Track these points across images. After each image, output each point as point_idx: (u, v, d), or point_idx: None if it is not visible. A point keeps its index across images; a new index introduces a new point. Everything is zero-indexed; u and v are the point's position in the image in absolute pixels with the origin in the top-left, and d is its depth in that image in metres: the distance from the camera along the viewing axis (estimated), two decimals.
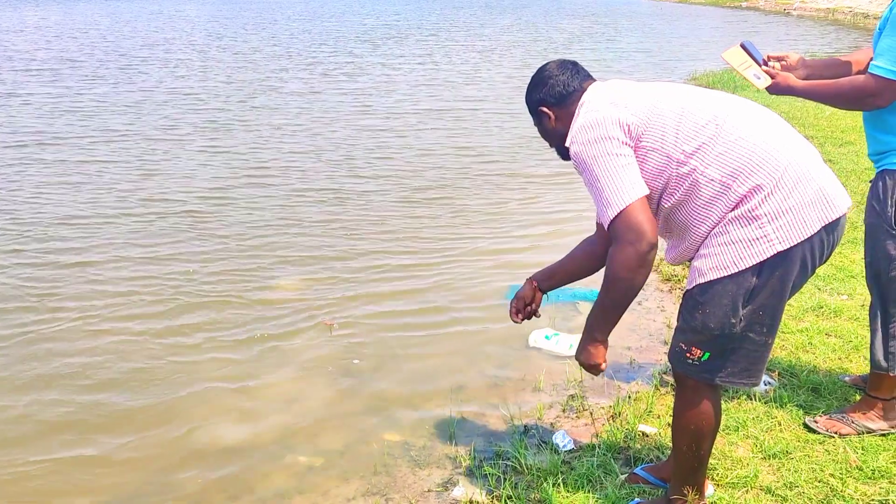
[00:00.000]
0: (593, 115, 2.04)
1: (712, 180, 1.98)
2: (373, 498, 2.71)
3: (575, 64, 2.22)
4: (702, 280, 2.03)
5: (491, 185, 6.70)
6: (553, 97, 2.17)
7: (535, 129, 2.30)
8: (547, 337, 3.81)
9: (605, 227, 2.01)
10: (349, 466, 2.91)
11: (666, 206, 2.07)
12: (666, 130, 2.00)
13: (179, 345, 3.81)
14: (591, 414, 3.15)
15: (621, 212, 1.93)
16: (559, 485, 2.61)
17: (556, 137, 2.21)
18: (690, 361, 2.09)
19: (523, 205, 6.14)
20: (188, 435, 3.10)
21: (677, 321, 2.18)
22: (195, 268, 4.72)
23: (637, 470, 2.65)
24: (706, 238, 2.03)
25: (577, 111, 2.11)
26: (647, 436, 2.92)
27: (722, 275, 1.99)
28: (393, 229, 5.48)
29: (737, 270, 1.97)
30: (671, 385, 3.32)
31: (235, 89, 10.71)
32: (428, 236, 5.37)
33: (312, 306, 4.25)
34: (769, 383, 3.23)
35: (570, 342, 3.75)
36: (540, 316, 2.65)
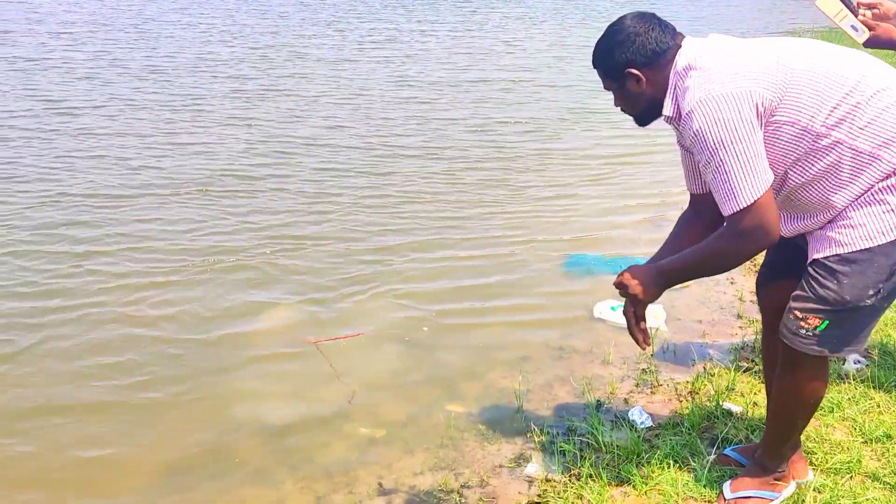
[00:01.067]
0: (721, 87, 1.78)
1: (860, 153, 1.79)
2: (441, 473, 2.56)
3: (656, 17, 1.95)
4: (842, 250, 1.85)
5: (545, 160, 6.30)
6: (644, 57, 1.90)
7: (608, 96, 2.01)
8: (613, 308, 3.61)
9: (725, 214, 1.82)
10: (413, 439, 2.76)
11: (796, 181, 1.88)
12: (802, 101, 1.79)
13: (225, 315, 3.65)
14: (675, 389, 2.95)
15: (750, 207, 1.76)
16: (643, 465, 2.44)
17: (641, 103, 1.97)
18: (804, 332, 1.93)
19: (583, 182, 5.78)
20: (245, 405, 2.95)
21: (797, 289, 1.97)
22: (228, 239, 4.52)
23: (728, 451, 2.46)
24: (845, 209, 1.85)
25: (685, 75, 1.85)
26: (733, 414, 2.73)
27: (872, 244, 1.81)
28: (445, 203, 5.21)
29: (892, 239, 1.80)
30: (751, 361, 3.12)
31: (261, 56, 10.43)
32: (480, 211, 5.11)
33: (362, 276, 4.07)
34: (859, 361, 3.02)
35: None
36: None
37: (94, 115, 7.11)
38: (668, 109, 1.91)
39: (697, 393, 2.92)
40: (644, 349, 2.19)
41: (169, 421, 2.86)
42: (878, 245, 1.80)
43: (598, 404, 2.91)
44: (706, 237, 2.07)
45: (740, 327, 3.51)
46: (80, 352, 3.28)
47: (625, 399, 2.95)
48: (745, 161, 1.75)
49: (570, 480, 2.44)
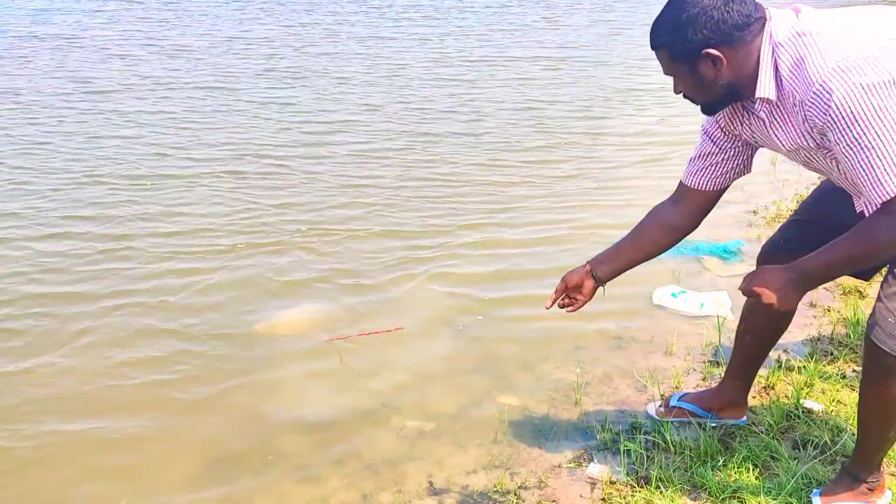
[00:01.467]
0: (860, 49, 1.51)
1: None
2: (495, 471, 2.37)
3: None
4: None
5: (595, 141, 5.96)
6: (723, 34, 1.60)
7: (668, 79, 1.74)
8: (674, 294, 3.38)
9: (881, 199, 1.54)
10: (464, 433, 2.58)
11: None
12: None
13: (262, 306, 3.49)
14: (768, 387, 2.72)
15: None
16: (718, 469, 2.23)
17: (716, 89, 1.68)
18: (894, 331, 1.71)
19: (637, 163, 5.45)
20: (286, 398, 2.79)
21: (884, 286, 1.76)
22: (262, 226, 4.35)
23: (676, 401, 2.51)
24: None
25: (791, 45, 1.58)
26: (813, 413, 2.50)
27: None
28: (490, 187, 4.96)
29: None
30: (831, 354, 2.88)
31: (294, 34, 10.24)
32: (528, 194, 4.86)
33: (406, 263, 3.88)
34: None
35: (700, 300, 3.32)
36: (574, 310, 2.15)
37: (126, 95, 7.00)
38: (766, 90, 1.63)
39: (773, 388, 2.69)
40: None
41: (208, 415, 2.71)
42: None
43: (663, 399, 2.69)
44: (671, 236, 2.02)
45: (814, 316, 3.25)
46: (113, 343, 3.12)
47: (693, 393, 2.73)
48: None
49: (637, 484, 2.24)
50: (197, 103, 6.79)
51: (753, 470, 2.21)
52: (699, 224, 2.03)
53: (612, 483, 2.27)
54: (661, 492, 2.16)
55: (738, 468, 2.22)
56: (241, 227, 4.26)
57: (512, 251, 4.01)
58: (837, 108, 1.51)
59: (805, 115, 1.59)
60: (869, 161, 1.52)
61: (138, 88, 7.22)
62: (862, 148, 1.52)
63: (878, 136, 1.50)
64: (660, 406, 2.56)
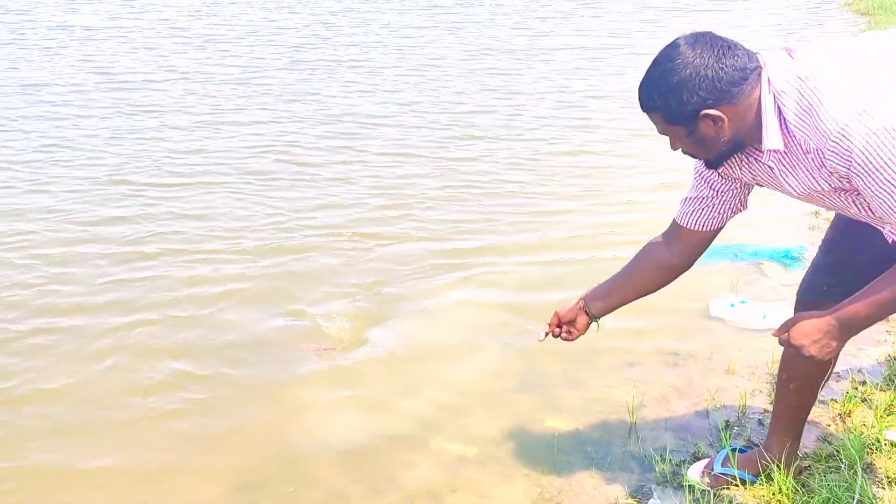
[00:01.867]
0: (868, 90, 1.43)
1: None
2: None
3: (716, 35, 1.55)
4: None
5: (646, 140, 5.42)
6: (720, 91, 1.51)
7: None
8: (732, 305, 3.14)
9: None
10: (509, 460, 2.38)
11: None
12: None
13: (289, 316, 3.29)
14: (819, 410, 2.48)
15: None
16: None
17: (719, 146, 1.60)
18: None
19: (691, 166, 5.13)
20: (317, 416, 2.63)
21: None
22: (288, 233, 4.14)
23: (718, 468, 2.18)
24: None
25: (794, 94, 1.49)
26: None
27: None
28: (531, 192, 4.71)
29: None
30: None
31: (323, 23, 10.06)
32: (574, 194, 4.64)
33: (445, 265, 3.68)
34: None
35: (762, 311, 3.08)
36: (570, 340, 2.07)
37: (150, 89, 6.89)
38: (773, 142, 1.54)
39: (849, 416, 2.44)
40: None
41: (236, 433, 2.55)
42: None
43: (727, 425, 2.47)
44: (665, 275, 1.96)
45: (888, 332, 2.99)
46: (136, 356, 2.97)
47: (759, 420, 2.50)
48: None
49: None
50: (220, 99, 6.64)
51: None
52: (693, 263, 1.96)
53: None
54: None
55: None
56: (264, 233, 4.08)
57: (555, 257, 3.80)
58: (861, 156, 1.44)
59: (824, 163, 1.51)
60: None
61: (164, 82, 7.12)
62: (893, 190, 1.44)
63: None
64: (705, 470, 2.21)
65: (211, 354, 2.99)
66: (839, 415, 2.46)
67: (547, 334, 2.08)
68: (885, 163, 1.42)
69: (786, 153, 1.57)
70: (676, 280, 2.00)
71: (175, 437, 2.54)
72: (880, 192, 1.46)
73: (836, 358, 1.94)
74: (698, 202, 1.85)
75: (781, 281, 3.41)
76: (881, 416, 2.38)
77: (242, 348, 3.03)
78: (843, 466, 2.18)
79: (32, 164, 5.05)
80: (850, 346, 2.90)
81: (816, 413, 2.49)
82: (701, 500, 2.12)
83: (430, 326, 3.16)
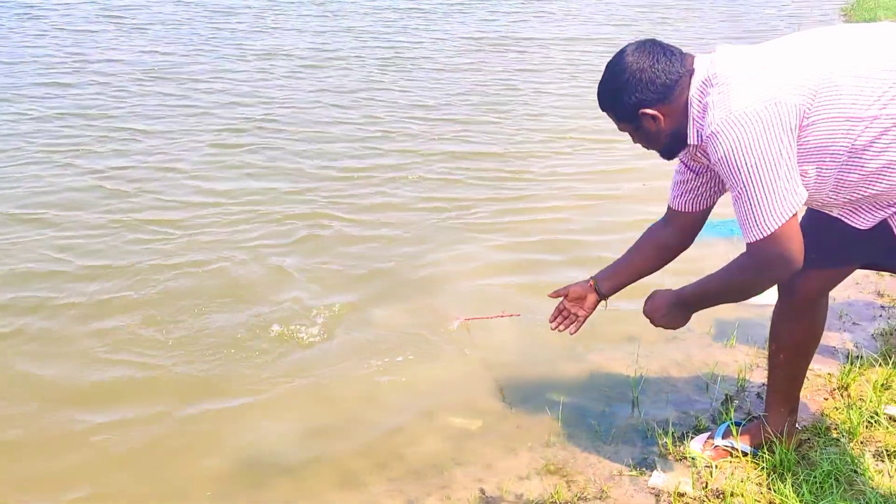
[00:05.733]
0: (744, 103, 1.61)
1: None
2: (551, 478, 2.20)
3: (658, 42, 1.77)
4: None
5: None
6: (655, 93, 1.73)
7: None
8: None
9: (746, 242, 1.70)
10: (514, 433, 2.41)
11: (855, 178, 1.67)
12: (843, 94, 1.60)
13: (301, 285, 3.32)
14: (818, 383, 2.52)
15: (772, 235, 1.65)
16: (798, 484, 2.04)
17: (662, 140, 1.81)
18: None
19: None
20: (324, 390, 2.63)
21: None
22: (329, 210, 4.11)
23: (720, 439, 2.23)
24: None
25: (701, 98, 1.70)
26: (895, 420, 2.30)
27: None
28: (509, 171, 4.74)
29: None
30: None
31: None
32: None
33: (443, 241, 3.68)
34: None
35: None
36: (574, 331, 2.22)
37: (175, 80, 6.48)
38: (691, 138, 1.77)
39: (847, 389, 2.49)
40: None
41: (243, 411, 2.54)
42: None
43: (727, 399, 2.51)
44: (665, 255, 2.11)
45: (882, 307, 3.04)
46: (161, 337, 2.94)
47: (757, 393, 2.54)
48: (771, 186, 1.62)
49: (707, 497, 2.07)
50: (248, 89, 6.41)
51: (837, 487, 2.02)
52: (691, 242, 2.11)
53: (679, 496, 2.09)
54: None
55: (819, 484, 2.03)
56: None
57: (556, 236, 3.80)
58: (721, 159, 1.64)
59: (706, 155, 1.75)
60: (740, 207, 1.66)
61: (189, 73, 6.80)
62: (737, 195, 1.66)
63: (747, 188, 1.62)
64: (706, 442, 2.25)
65: (214, 335, 2.96)
66: (836, 389, 2.51)
67: (556, 316, 2.22)
68: (739, 169, 1.62)
69: (702, 151, 1.78)
70: (676, 258, 2.11)
71: (185, 409, 2.54)
72: (732, 190, 1.68)
73: (822, 326, 2.12)
74: (684, 185, 1.98)
75: None
76: (879, 391, 2.42)
77: (244, 330, 3.00)
78: (842, 440, 2.23)
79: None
80: (846, 321, 2.96)
81: (815, 387, 2.55)
82: (703, 473, 2.16)
83: (430, 302, 3.16)
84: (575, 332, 2.22)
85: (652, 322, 1.99)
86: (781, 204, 1.62)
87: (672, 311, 1.95)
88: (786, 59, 1.66)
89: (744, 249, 1.75)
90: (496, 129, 5.13)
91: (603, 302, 2.19)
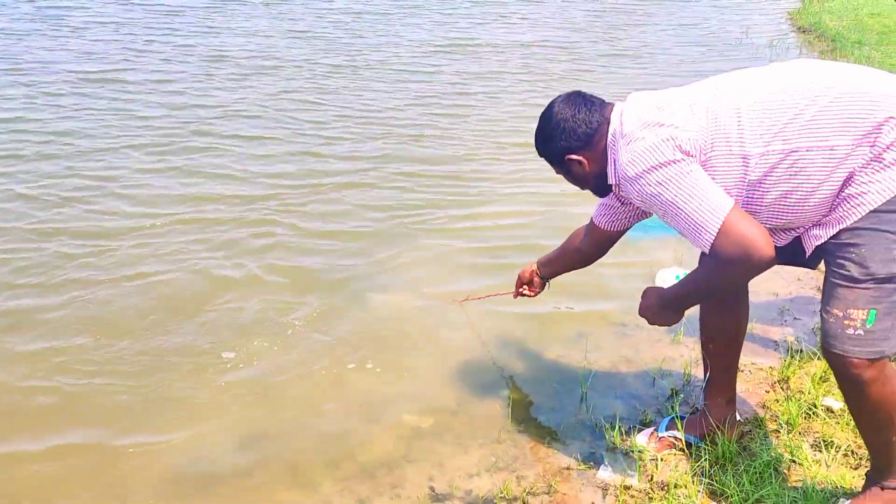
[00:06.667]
0: (643, 142, 1.77)
1: (825, 149, 1.69)
2: (500, 474, 2.23)
3: (582, 94, 1.96)
4: (846, 223, 1.70)
5: None
6: (577, 140, 1.91)
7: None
8: (678, 277, 3.22)
9: (706, 250, 1.73)
10: (465, 430, 2.42)
11: (769, 200, 1.77)
12: (730, 132, 1.74)
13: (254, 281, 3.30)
14: (759, 377, 2.59)
15: (720, 233, 1.69)
16: (739, 474, 2.10)
17: (591, 181, 1.99)
18: (853, 331, 1.71)
19: None
20: (271, 390, 2.62)
21: (824, 293, 1.77)
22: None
23: (664, 431, 2.30)
24: (835, 198, 1.72)
25: (615, 144, 1.86)
26: (833, 412, 2.38)
27: (875, 206, 1.65)
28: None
29: (892, 196, 1.65)
30: None
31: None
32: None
33: (395, 242, 3.68)
34: None
35: None
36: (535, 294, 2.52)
37: (190, 83, 6.33)
38: (611, 178, 1.93)
39: (787, 382, 2.57)
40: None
41: (188, 409, 2.51)
42: (882, 203, 1.65)
43: (673, 393, 2.56)
44: (583, 260, 2.33)
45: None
46: (99, 352, 2.91)
47: (701, 386, 2.59)
48: (692, 191, 1.71)
49: (652, 490, 2.11)
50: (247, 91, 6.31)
51: (776, 476, 2.09)
52: (604, 254, 2.31)
53: (626, 489, 2.13)
54: (678, 501, 2.03)
55: (759, 474, 2.09)
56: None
57: (489, 234, 3.81)
58: (640, 194, 1.78)
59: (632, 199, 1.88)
60: (681, 225, 1.75)
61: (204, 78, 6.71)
62: (672, 218, 1.76)
63: (674, 206, 1.72)
64: (651, 435, 2.32)
65: (162, 324, 2.93)
66: (777, 381, 2.58)
67: (516, 294, 2.54)
68: (657, 201, 1.75)
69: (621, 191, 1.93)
70: (625, 252, 2.23)
71: (127, 418, 2.50)
72: (666, 220, 1.78)
73: (746, 315, 2.21)
74: (610, 208, 2.15)
75: None
76: (817, 384, 2.50)
77: (202, 309, 2.99)
78: (782, 431, 2.30)
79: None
80: (787, 316, 3.06)
81: (756, 380, 2.62)
82: (649, 466, 2.21)
83: (382, 303, 3.16)
84: (533, 296, 2.53)
85: (647, 321, 2.06)
86: (711, 202, 1.69)
87: (660, 308, 2.02)
88: (684, 104, 1.79)
89: (693, 248, 1.85)
90: (451, 135, 5.14)
91: (547, 284, 2.49)
